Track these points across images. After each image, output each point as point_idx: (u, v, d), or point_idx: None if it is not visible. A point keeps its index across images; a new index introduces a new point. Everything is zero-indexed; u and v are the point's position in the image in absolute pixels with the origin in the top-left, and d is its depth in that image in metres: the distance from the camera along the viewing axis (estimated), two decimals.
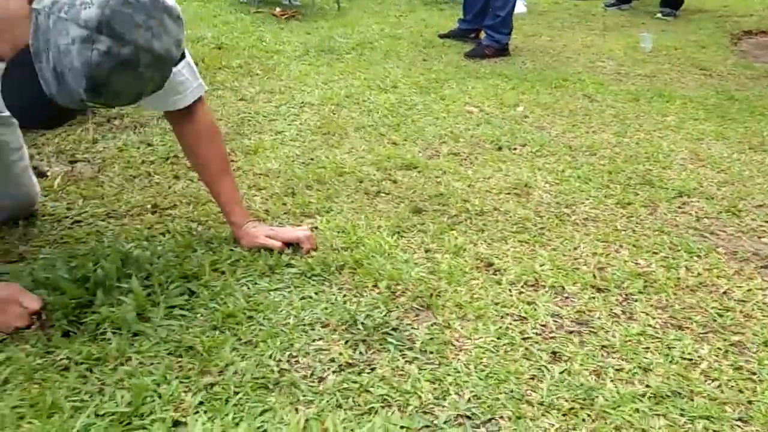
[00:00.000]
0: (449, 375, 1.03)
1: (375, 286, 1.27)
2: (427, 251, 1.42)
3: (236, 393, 0.96)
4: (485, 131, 2.24)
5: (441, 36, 3.84)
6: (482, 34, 3.70)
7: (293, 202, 1.61)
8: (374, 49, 3.50)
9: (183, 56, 1.19)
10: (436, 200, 1.68)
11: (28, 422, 0.88)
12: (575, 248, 1.46)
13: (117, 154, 1.85)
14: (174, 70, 1.17)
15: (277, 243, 1.35)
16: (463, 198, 1.70)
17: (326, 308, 1.18)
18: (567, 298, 1.27)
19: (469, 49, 3.51)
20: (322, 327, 1.14)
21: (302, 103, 2.48)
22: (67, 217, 1.45)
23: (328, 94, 2.60)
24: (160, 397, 0.93)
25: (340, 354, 1.06)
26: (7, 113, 0.99)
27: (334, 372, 1.02)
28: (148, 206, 1.54)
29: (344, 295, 1.23)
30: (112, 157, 1.83)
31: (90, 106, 0.90)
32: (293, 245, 1.37)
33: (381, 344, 1.10)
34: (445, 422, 0.93)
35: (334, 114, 2.37)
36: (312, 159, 1.92)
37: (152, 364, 1.00)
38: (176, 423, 0.90)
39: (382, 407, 0.96)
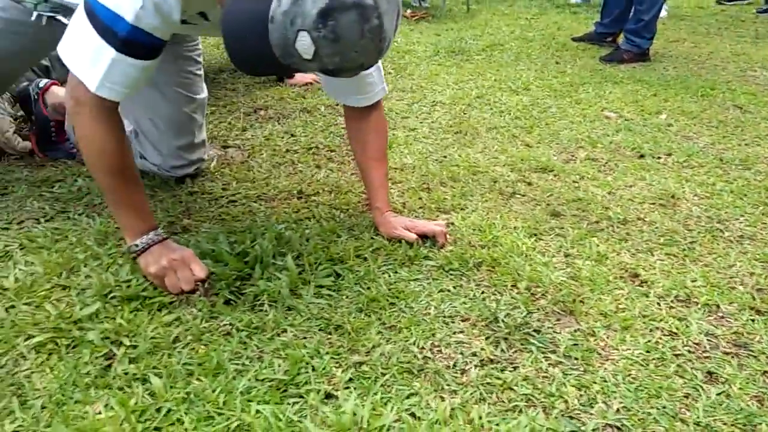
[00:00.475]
0: (596, 383, 1.00)
1: (514, 285, 1.26)
2: (566, 256, 1.39)
3: (383, 374, 0.99)
4: (625, 138, 2.15)
5: (575, 39, 3.73)
6: (620, 38, 3.55)
7: (428, 197, 1.64)
8: (504, 51, 3.46)
9: None
10: (574, 205, 1.63)
11: (197, 379, 0.96)
12: (730, 266, 1.36)
13: (264, 142, 1.97)
14: (367, 71, 1.25)
15: (412, 235, 1.38)
16: (603, 205, 1.64)
17: (465, 303, 1.19)
18: (722, 317, 1.19)
19: (605, 53, 3.38)
20: (462, 321, 1.14)
21: (434, 102, 2.50)
22: (223, 197, 1.56)
23: (459, 94, 2.61)
24: (313, 369, 0.98)
25: (482, 349, 1.06)
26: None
27: (476, 366, 1.03)
28: (294, 192, 1.62)
29: (482, 292, 1.23)
30: (260, 145, 1.94)
31: (287, 55, 0.88)
32: (429, 238, 1.39)
33: (523, 344, 1.08)
34: (593, 430, 0.91)
35: (465, 114, 2.37)
36: (445, 156, 1.94)
37: (305, 338, 1.06)
38: (328, 395, 0.94)
39: (527, 406, 0.95)
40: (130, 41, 0.96)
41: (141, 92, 1.15)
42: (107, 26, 0.95)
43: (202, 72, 1.59)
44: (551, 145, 2.08)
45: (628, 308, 1.21)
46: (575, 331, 1.13)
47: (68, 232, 1.33)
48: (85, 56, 0.99)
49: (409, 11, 4.63)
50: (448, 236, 1.41)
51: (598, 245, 1.44)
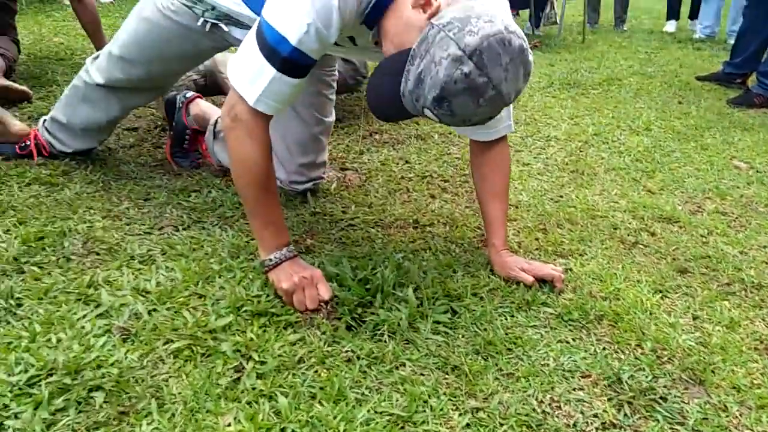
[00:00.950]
0: None
1: (638, 345, 1.20)
2: (695, 318, 1.32)
3: (501, 424, 0.97)
4: (758, 192, 2.02)
5: (699, 78, 3.56)
6: (750, 80, 3.34)
7: (545, 239, 1.61)
8: (623, 86, 3.35)
9: None
10: (702, 262, 1.55)
11: (320, 403, 0.98)
12: None
13: (379, 167, 2.01)
14: None
15: (529, 278, 1.36)
16: (735, 265, 1.54)
17: (586, 358, 1.15)
18: None
19: (733, 95, 3.20)
20: (583, 377, 1.11)
21: (548, 136, 2.46)
22: (342, 220, 1.61)
23: (574, 130, 2.55)
24: (431, 409, 0.99)
25: (604, 411, 1.03)
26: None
27: (597, 429, 0.99)
28: (410, 220, 1.64)
29: (604, 348, 1.19)
30: (376, 170, 1.99)
31: (419, 115, 1.03)
32: (545, 282, 1.36)
33: (648, 411, 1.04)
34: None
35: (581, 152, 2.31)
36: (561, 196, 1.90)
37: (423, 374, 1.07)
38: None
39: None
40: (290, 61, 1.05)
41: None
42: (272, 47, 1.05)
43: (334, 96, 1.66)
44: (675, 193, 1.98)
45: (764, 384, 1.12)
46: (705, 403, 1.07)
47: (204, 242, 1.41)
48: (248, 74, 1.09)
49: None
50: (565, 282, 1.37)
51: (729, 310, 1.35)
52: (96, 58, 1.63)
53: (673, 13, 5.54)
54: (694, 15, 5.53)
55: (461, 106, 0.96)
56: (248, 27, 1.31)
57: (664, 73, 3.72)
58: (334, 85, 1.64)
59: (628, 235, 1.66)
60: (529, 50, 0.98)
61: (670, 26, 5.54)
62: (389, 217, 1.65)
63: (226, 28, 1.39)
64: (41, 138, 1.75)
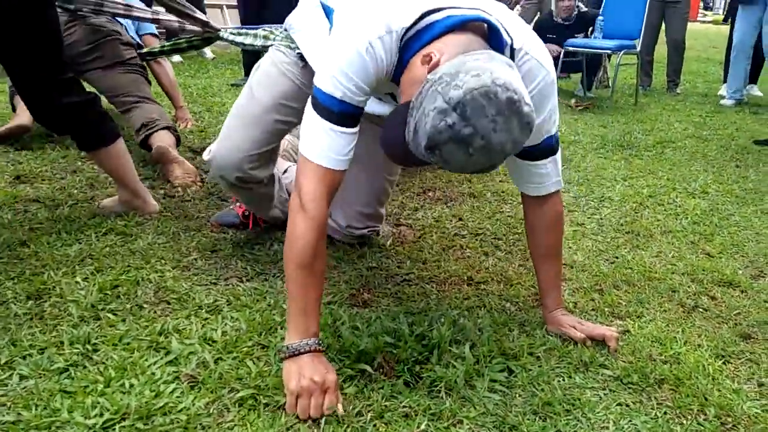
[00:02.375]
0: None
1: (701, 411, 1.17)
2: (760, 385, 1.28)
3: None
4: None
5: (757, 143, 3.51)
6: None
7: (601, 300, 1.60)
8: (677, 149, 3.34)
9: (553, 152, 1.31)
10: (766, 328, 1.50)
11: None
12: None
13: (433, 223, 2.06)
14: (539, 162, 1.31)
15: (579, 334, 1.36)
16: None
17: (647, 422, 1.13)
18: None
19: None
20: None
21: (602, 197, 2.47)
22: (398, 275, 1.65)
23: (629, 192, 2.54)
24: None
25: None
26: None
27: None
28: (464, 277, 1.66)
29: (665, 413, 1.17)
30: (429, 226, 2.03)
31: (427, 161, 1.07)
32: (599, 342, 1.36)
33: None
34: None
35: (636, 213, 2.30)
36: (617, 257, 1.89)
37: None
38: None
39: None
40: (341, 113, 1.13)
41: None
42: (325, 107, 1.14)
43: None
44: (735, 257, 1.94)
45: None
46: None
47: (266, 293, 1.47)
48: (310, 137, 1.16)
49: (573, 100, 4.64)
50: (620, 344, 1.36)
51: None
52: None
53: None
54: (726, 79, 5.48)
55: (451, 154, 0.99)
56: None
57: (720, 137, 3.68)
58: None
59: (687, 298, 1.64)
60: (525, 102, 0.98)
61: (725, 90, 5.50)
62: (443, 274, 1.68)
63: (309, 61, 1.48)
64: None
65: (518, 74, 1.02)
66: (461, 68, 0.98)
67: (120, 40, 2.47)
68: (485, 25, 1.13)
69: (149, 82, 2.59)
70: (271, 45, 1.60)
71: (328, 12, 1.40)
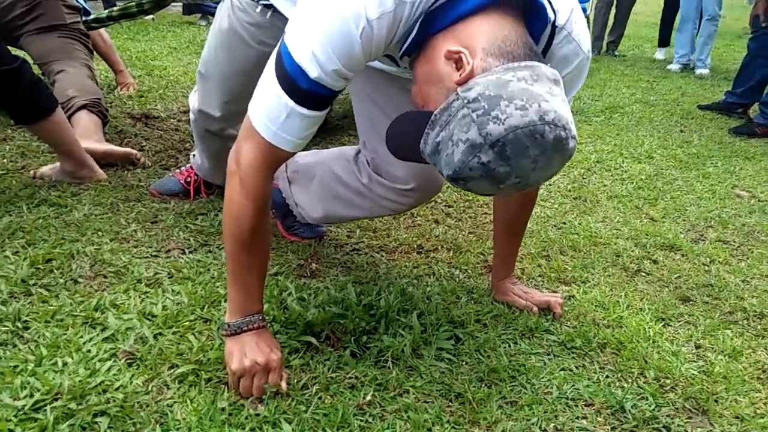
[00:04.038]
0: None
1: (641, 374, 1.21)
2: (697, 347, 1.32)
3: None
4: (759, 221, 2.03)
5: (701, 107, 3.60)
6: (752, 110, 3.38)
7: (548, 266, 1.62)
8: (624, 114, 3.39)
9: None
10: (704, 291, 1.55)
11: (323, 430, 0.99)
12: None
13: None
14: None
15: (522, 302, 1.38)
16: (737, 294, 1.55)
17: (589, 386, 1.16)
18: None
19: (734, 124, 3.23)
20: (586, 405, 1.11)
21: None
22: (347, 244, 1.62)
23: (577, 157, 2.57)
24: None
25: None
26: None
27: None
28: (414, 245, 1.65)
29: (607, 376, 1.19)
30: None
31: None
32: (542, 309, 1.38)
33: None
34: None
35: (584, 179, 2.33)
36: (564, 223, 1.91)
37: (426, 402, 1.07)
38: None
39: None
40: (309, 94, 0.93)
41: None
42: (291, 78, 0.93)
43: None
44: (678, 221, 2.00)
45: (767, 413, 1.12)
46: None
47: (210, 265, 1.43)
48: (265, 107, 0.97)
49: None
50: (565, 309, 1.38)
51: (732, 339, 1.36)
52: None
53: (663, 40, 5.64)
54: (661, 42, 5.64)
55: (478, 187, 0.87)
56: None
57: (666, 102, 3.76)
58: None
59: (631, 262, 1.67)
60: (572, 136, 0.83)
61: (660, 53, 5.64)
62: (393, 242, 1.66)
63: (286, 13, 1.23)
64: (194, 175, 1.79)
65: (562, 90, 0.85)
66: (502, 92, 0.80)
67: (63, 2, 2.29)
68: None
69: (89, 49, 2.40)
70: None
71: None
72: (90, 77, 2.26)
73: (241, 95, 1.45)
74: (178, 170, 1.84)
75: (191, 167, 1.81)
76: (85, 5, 2.51)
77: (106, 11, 2.15)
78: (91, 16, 2.32)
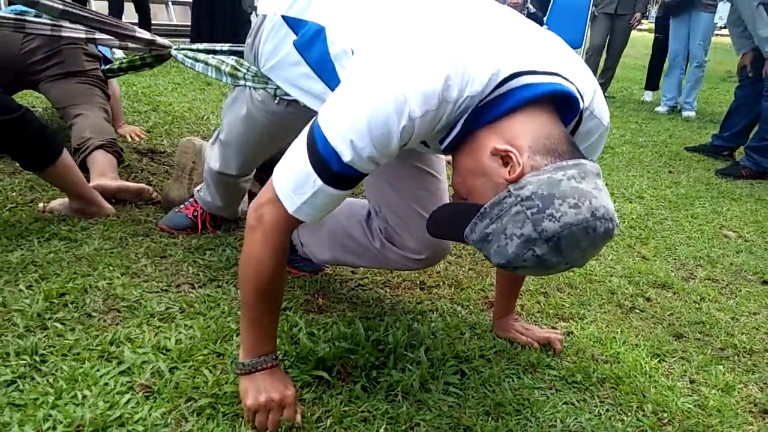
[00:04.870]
0: None
1: (639, 407, 1.25)
2: (692, 382, 1.37)
3: None
4: (746, 260, 2.10)
5: (689, 149, 3.72)
6: (738, 153, 3.50)
7: (546, 302, 1.67)
8: (615, 155, 3.50)
9: None
10: (696, 328, 1.61)
11: None
12: None
13: None
14: None
15: (523, 338, 1.43)
16: (727, 331, 1.61)
17: (590, 419, 1.20)
18: None
19: (721, 166, 3.34)
20: None
21: None
22: (351, 280, 1.67)
23: None
24: None
25: None
26: None
27: None
28: (417, 282, 1.70)
29: (607, 410, 1.24)
30: None
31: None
32: (543, 345, 1.43)
33: None
34: None
35: None
36: None
37: None
38: None
39: None
40: (339, 176, 0.94)
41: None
42: (322, 158, 0.94)
43: None
44: (668, 260, 2.07)
45: None
46: None
47: (220, 300, 1.47)
48: (293, 180, 0.98)
49: None
50: (564, 345, 1.43)
51: (724, 374, 1.41)
52: (211, 146, 1.69)
53: (651, 84, 5.84)
54: (649, 86, 5.84)
55: (526, 272, 0.94)
56: (323, 99, 1.14)
57: (655, 143, 3.88)
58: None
59: (625, 299, 1.73)
60: (616, 225, 0.90)
61: (647, 96, 5.83)
62: (396, 278, 1.71)
63: (301, 103, 1.28)
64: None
65: (602, 182, 0.92)
66: (555, 191, 0.85)
67: (83, 50, 2.36)
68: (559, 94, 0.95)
69: (106, 94, 2.45)
70: (243, 84, 1.39)
71: (297, 27, 1.19)
72: (106, 119, 2.33)
73: (260, 158, 1.62)
74: (182, 206, 1.90)
75: (195, 202, 1.86)
76: (107, 54, 2.56)
77: (117, 62, 2.21)
78: (106, 67, 2.37)
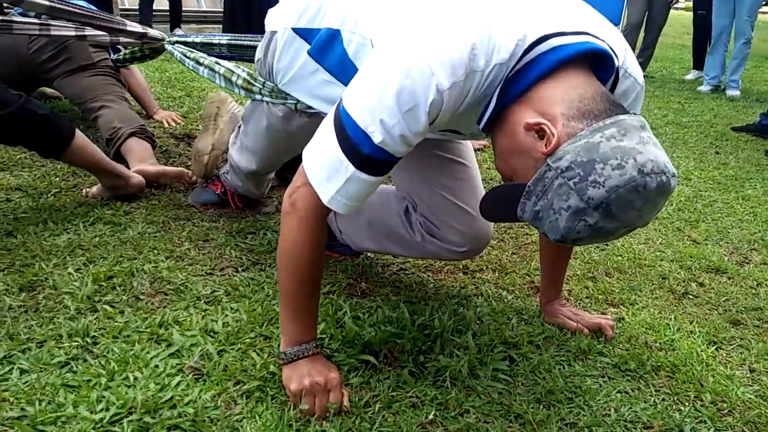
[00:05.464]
0: None
1: (697, 397, 1.21)
2: (752, 371, 1.32)
3: None
4: None
5: (735, 129, 3.58)
6: None
7: (595, 287, 1.62)
8: (659, 136, 3.38)
9: None
10: (754, 314, 1.55)
11: None
12: None
13: None
14: None
15: (573, 324, 1.38)
16: None
17: (646, 409, 1.16)
18: None
19: None
20: (645, 428, 1.11)
21: None
22: (393, 264, 1.65)
23: None
24: None
25: None
26: None
27: None
28: (459, 266, 1.67)
29: (663, 399, 1.20)
30: None
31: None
32: (593, 331, 1.38)
33: None
34: None
35: None
36: (607, 245, 1.91)
37: (487, 422, 1.08)
38: None
39: None
40: (372, 159, 0.92)
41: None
42: (353, 142, 0.91)
43: None
44: (721, 243, 1.99)
45: None
46: None
47: (264, 283, 1.46)
48: (325, 168, 0.95)
49: None
50: (616, 331, 1.39)
51: None
52: (233, 144, 1.72)
53: (696, 63, 5.65)
54: (695, 65, 5.66)
55: (588, 242, 0.90)
56: None
57: (699, 123, 3.74)
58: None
59: (677, 285, 1.67)
60: (671, 176, 0.84)
61: (691, 75, 5.65)
62: (439, 263, 1.68)
63: (323, 116, 1.26)
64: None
65: (650, 133, 0.86)
66: (594, 155, 0.81)
67: (90, 44, 2.36)
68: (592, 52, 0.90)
69: (122, 82, 2.44)
70: (260, 99, 1.41)
71: (309, 36, 1.18)
72: (130, 107, 2.34)
73: (287, 158, 1.67)
74: (209, 181, 1.94)
75: (220, 180, 1.90)
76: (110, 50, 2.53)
77: (122, 53, 2.19)
78: (115, 56, 2.35)
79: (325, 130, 0.96)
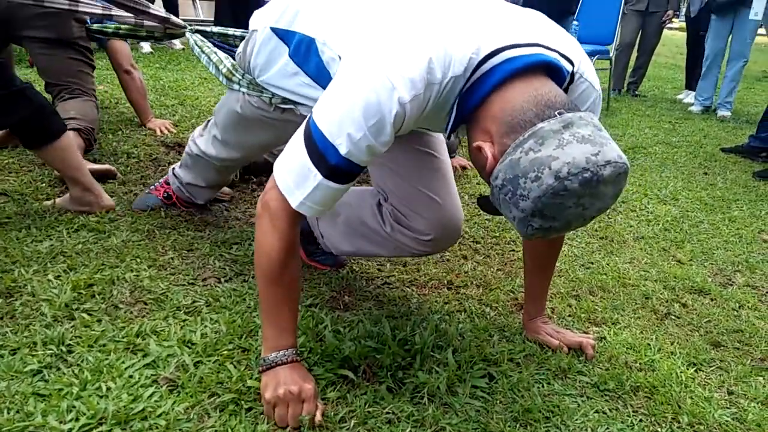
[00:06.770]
0: None
1: (674, 419, 1.20)
2: (730, 393, 1.32)
3: None
4: None
5: (724, 150, 3.61)
6: None
7: (578, 306, 1.62)
8: (648, 155, 3.41)
9: None
10: (735, 336, 1.55)
11: None
12: None
13: None
14: None
15: (554, 341, 1.39)
16: (767, 340, 1.54)
17: (623, 429, 1.16)
18: None
19: (759, 168, 3.23)
20: None
21: None
22: (378, 278, 1.65)
23: None
24: None
25: None
26: None
27: None
28: (444, 281, 1.67)
29: (641, 420, 1.19)
30: None
31: None
32: (574, 350, 1.38)
33: None
34: None
35: (610, 219, 2.34)
36: (591, 263, 1.92)
37: None
38: None
39: None
40: (338, 169, 0.97)
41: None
42: (320, 152, 0.97)
43: None
44: (705, 264, 2.00)
45: None
46: None
47: (246, 295, 1.45)
48: (294, 176, 1.00)
49: None
50: (597, 350, 1.39)
51: (764, 386, 1.35)
52: (201, 135, 1.74)
53: (689, 84, 5.71)
54: (688, 86, 5.72)
55: (553, 236, 0.96)
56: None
57: (689, 144, 3.77)
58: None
59: (660, 305, 1.67)
60: (605, 162, 0.85)
61: (684, 96, 5.71)
62: (423, 277, 1.68)
63: (297, 111, 1.35)
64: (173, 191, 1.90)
65: (571, 132, 0.88)
66: (517, 171, 0.88)
67: (75, 17, 2.32)
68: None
69: (93, 67, 2.46)
70: (237, 89, 1.43)
71: (286, 38, 1.24)
72: (94, 106, 2.37)
73: (256, 154, 1.73)
74: (152, 187, 1.96)
75: (164, 183, 1.93)
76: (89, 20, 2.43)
77: (113, 26, 2.13)
78: (95, 26, 2.30)
79: (296, 141, 1.01)
